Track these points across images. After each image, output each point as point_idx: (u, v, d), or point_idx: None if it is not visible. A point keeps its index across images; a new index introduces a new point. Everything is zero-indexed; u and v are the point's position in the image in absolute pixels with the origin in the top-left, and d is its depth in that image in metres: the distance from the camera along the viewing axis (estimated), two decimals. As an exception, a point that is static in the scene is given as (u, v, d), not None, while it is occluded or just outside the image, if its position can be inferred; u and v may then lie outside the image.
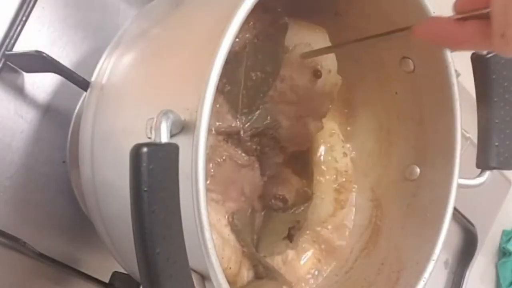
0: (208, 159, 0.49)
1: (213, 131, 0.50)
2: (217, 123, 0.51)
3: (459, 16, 0.43)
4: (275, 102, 0.54)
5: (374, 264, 0.59)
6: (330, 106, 0.59)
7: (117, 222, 0.50)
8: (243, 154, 0.52)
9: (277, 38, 0.53)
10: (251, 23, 0.51)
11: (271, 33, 0.52)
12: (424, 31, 0.46)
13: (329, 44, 0.56)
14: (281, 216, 0.56)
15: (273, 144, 0.56)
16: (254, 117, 0.53)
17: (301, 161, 0.60)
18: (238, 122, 0.52)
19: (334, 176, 0.63)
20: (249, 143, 0.53)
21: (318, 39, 0.55)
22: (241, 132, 0.52)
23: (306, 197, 0.59)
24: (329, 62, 0.55)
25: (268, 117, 0.54)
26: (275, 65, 0.53)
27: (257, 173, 0.54)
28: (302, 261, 0.61)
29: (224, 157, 0.50)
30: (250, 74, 0.52)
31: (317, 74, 0.54)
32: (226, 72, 0.49)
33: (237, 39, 0.50)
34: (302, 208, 0.58)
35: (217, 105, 0.50)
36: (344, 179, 0.64)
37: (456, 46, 0.47)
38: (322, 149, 0.63)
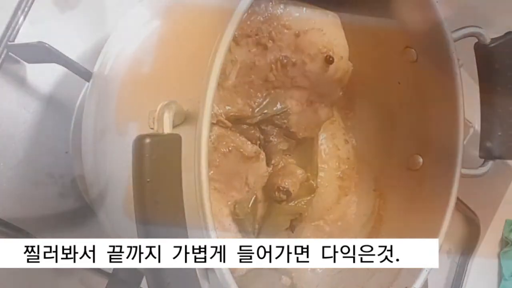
0: (214, 149, 0.49)
1: (223, 116, 0.50)
2: (227, 107, 0.51)
3: None
4: (286, 88, 0.54)
5: (377, 253, 0.59)
6: (340, 93, 0.59)
7: (120, 212, 0.50)
8: (249, 144, 0.52)
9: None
10: (262, 5, 0.51)
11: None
12: None
13: (341, 29, 0.55)
14: (284, 208, 0.56)
15: (277, 132, 0.56)
16: (265, 102, 0.53)
17: (306, 154, 0.60)
18: (248, 107, 0.52)
19: (337, 164, 0.63)
20: (252, 131, 0.53)
21: (331, 24, 0.54)
22: (250, 113, 0.52)
23: (310, 190, 0.59)
24: (341, 48, 0.55)
25: (278, 103, 0.54)
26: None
27: (263, 164, 0.54)
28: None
29: (230, 148, 0.50)
30: None
31: (329, 60, 0.54)
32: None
33: (248, 22, 0.49)
34: (305, 201, 0.58)
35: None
36: (346, 167, 0.64)
37: None
38: (323, 137, 0.63)
